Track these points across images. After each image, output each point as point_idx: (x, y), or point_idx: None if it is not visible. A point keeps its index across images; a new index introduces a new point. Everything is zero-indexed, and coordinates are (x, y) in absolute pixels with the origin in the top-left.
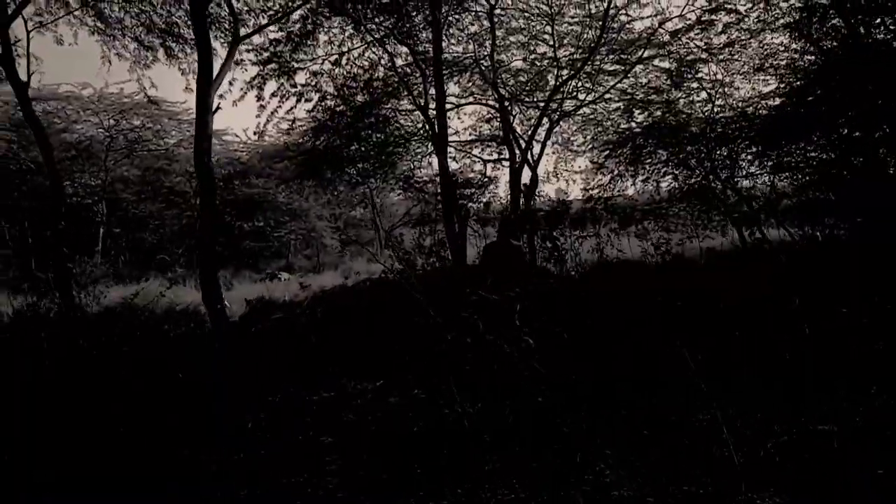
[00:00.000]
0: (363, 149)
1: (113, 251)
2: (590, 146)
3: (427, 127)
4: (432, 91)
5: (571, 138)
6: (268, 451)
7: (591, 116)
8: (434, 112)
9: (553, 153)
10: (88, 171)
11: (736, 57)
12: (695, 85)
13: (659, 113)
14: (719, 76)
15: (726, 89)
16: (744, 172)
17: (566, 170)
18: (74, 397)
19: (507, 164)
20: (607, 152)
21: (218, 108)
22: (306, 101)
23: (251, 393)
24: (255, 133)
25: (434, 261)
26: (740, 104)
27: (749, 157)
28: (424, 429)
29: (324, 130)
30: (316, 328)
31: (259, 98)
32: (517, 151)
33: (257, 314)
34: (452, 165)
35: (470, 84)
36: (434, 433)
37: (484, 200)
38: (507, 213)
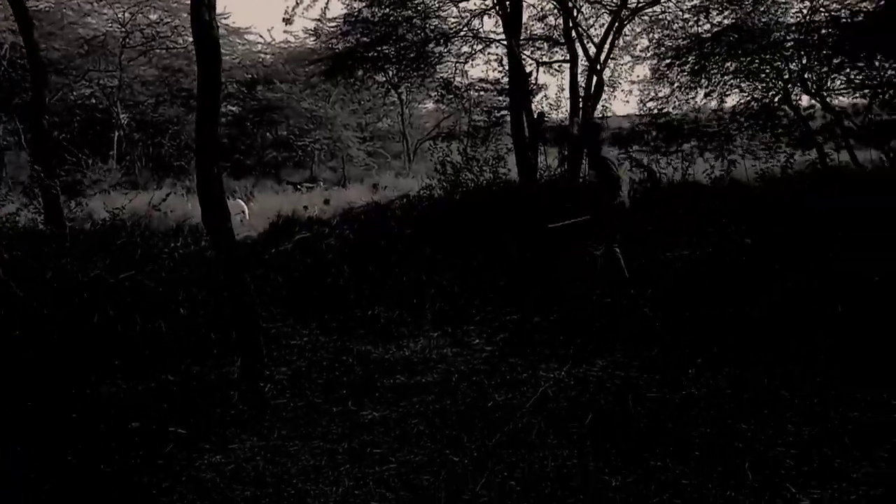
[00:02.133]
0: (399, 48)
1: (128, 157)
2: (652, 52)
3: (495, 3)
4: None
5: (634, 41)
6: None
7: (661, 16)
8: None
9: (612, 58)
10: (104, 70)
11: None
12: None
13: (740, 13)
14: None
15: None
16: (826, 87)
17: (625, 80)
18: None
19: (559, 67)
20: (669, 60)
21: None
22: None
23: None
24: (283, 20)
25: (491, 177)
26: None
27: (830, 70)
28: None
29: (358, 22)
30: (346, 254)
31: None
32: (580, 53)
33: (278, 233)
34: (492, 75)
35: None
36: None
37: (537, 110)
38: (578, 121)
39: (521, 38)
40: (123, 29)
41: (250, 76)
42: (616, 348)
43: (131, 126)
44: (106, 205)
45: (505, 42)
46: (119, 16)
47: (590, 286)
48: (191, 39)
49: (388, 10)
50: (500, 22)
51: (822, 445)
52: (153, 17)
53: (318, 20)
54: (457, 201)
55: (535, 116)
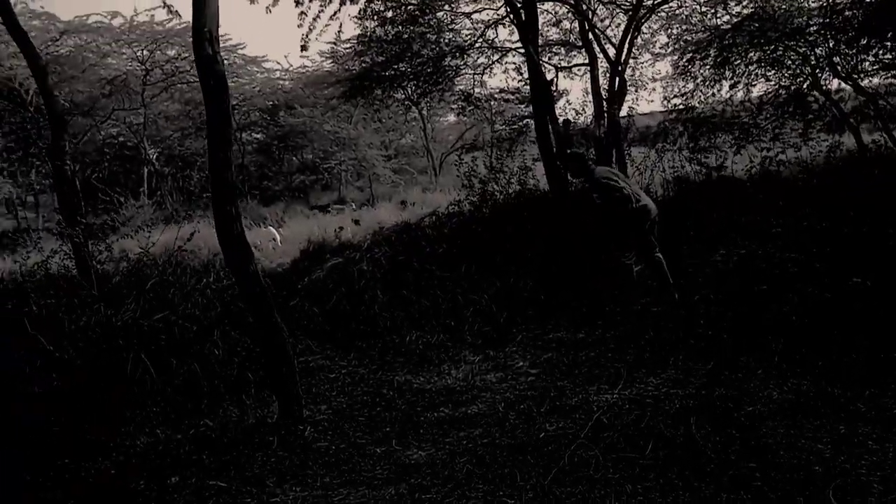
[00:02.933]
0: (415, 64)
1: (159, 192)
2: (671, 48)
3: (508, 12)
4: None
5: (652, 38)
6: None
7: (678, 11)
8: None
9: (632, 57)
10: (129, 108)
11: None
12: None
13: (759, 1)
14: None
15: None
16: (857, 69)
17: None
18: None
19: (579, 70)
20: (690, 55)
21: None
22: (352, 2)
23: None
24: (300, 47)
25: (518, 188)
26: None
27: (858, 52)
28: None
29: (372, 42)
30: (378, 279)
31: (297, 1)
32: (598, 55)
33: (310, 259)
34: (512, 84)
35: None
36: None
37: (566, 115)
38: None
39: (539, 44)
40: (143, 67)
41: (271, 103)
42: (669, 363)
43: (160, 161)
44: (139, 243)
45: (522, 50)
46: (138, 54)
47: (631, 297)
48: None
49: (400, 27)
50: (514, 31)
51: None
52: (171, 52)
53: (333, 43)
54: (486, 215)
55: (562, 123)
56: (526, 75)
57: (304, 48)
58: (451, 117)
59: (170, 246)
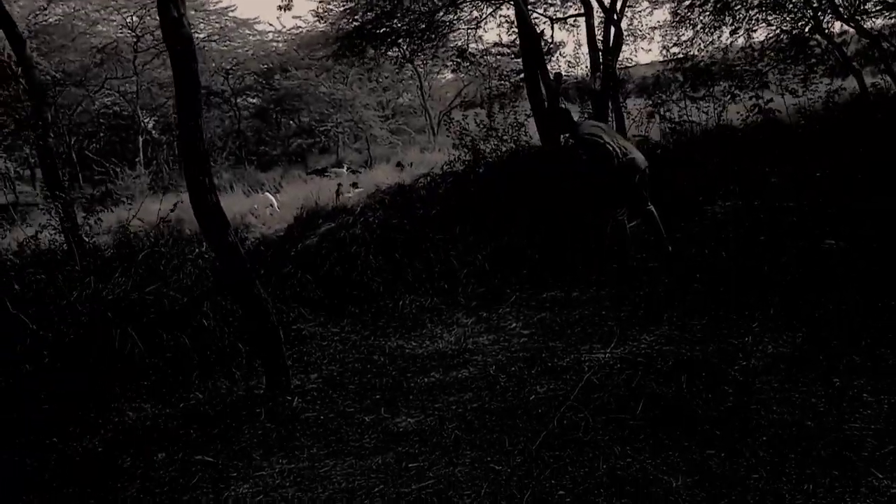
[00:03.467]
0: (407, 20)
1: (155, 161)
2: None
3: None
4: None
5: None
6: None
7: None
8: None
9: (628, 6)
10: (121, 76)
11: None
12: None
13: None
14: None
15: None
16: (859, 10)
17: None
18: None
19: (575, 22)
20: (690, 1)
21: None
22: None
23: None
24: (278, 8)
25: (513, 146)
26: None
27: None
28: None
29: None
30: (371, 243)
31: None
32: (594, 4)
33: (304, 226)
34: (505, 38)
35: None
36: None
37: (557, 68)
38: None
39: None
40: (133, 34)
41: (266, 66)
42: (663, 320)
43: (157, 129)
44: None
45: (514, 2)
46: (128, 20)
47: (626, 253)
48: (200, 35)
49: None
50: None
51: None
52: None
53: (321, 1)
54: (480, 175)
55: (553, 77)
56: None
57: (286, 8)
58: (449, 74)
59: (165, 216)
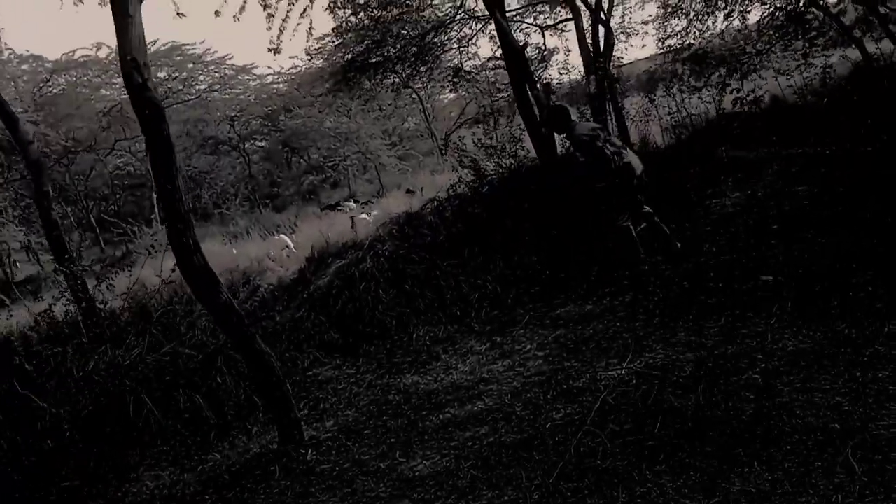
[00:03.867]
0: (398, 47)
1: None
2: None
3: None
4: None
5: None
6: None
7: None
8: None
9: (618, 3)
10: (129, 137)
11: None
12: None
13: None
14: None
15: None
16: None
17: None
18: None
19: (568, 27)
20: None
21: None
22: None
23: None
24: (269, 50)
25: (512, 162)
26: None
27: None
28: None
29: (349, 32)
30: (381, 277)
31: (265, 6)
32: (582, 7)
33: (315, 266)
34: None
35: None
36: None
37: (548, 78)
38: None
39: (519, 5)
40: None
41: (269, 108)
42: (679, 325)
43: None
44: (154, 272)
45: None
46: None
47: (636, 259)
48: (202, 87)
49: (374, 11)
50: None
51: None
52: (161, 74)
53: (322, 38)
54: (483, 194)
55: (541, 88)
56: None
57: (276, 52)
58: (451, 94)
59: (167, 277)
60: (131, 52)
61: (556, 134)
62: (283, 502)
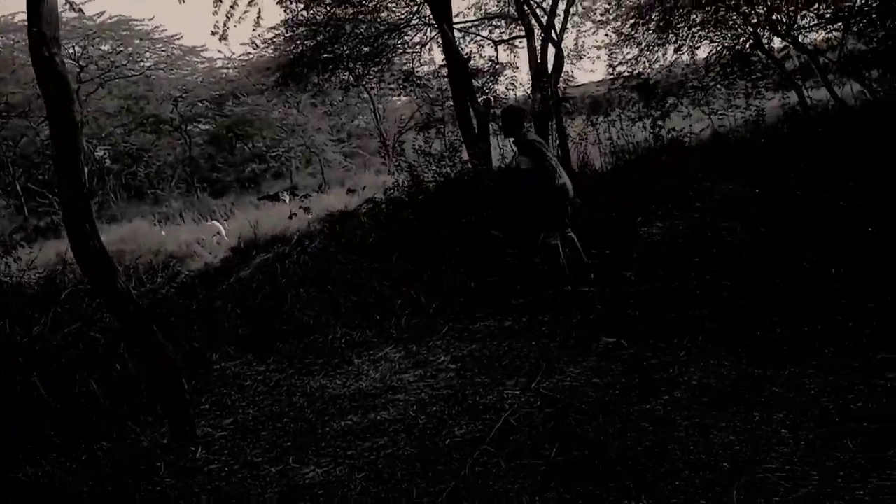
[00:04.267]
0: (351, 45)
1: (101, 191)
2: (614, 15)
3: None
4: None
5: (593, 6)
6: None
7: None
8: None
9: (572, 26)
10: None
11: None
12: None
13: None
14: None
15: None
16: (796, 26)
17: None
18: None
19: (522, 44)
20: (633, 20)
21: None
22: None
23: None
24: (213, 33)
25: (450, 172)
26: None
27: (798, 8)
28: None
29: (300, 26)
30: (305, 275)
31: None
32: (535, 25)
33: (240, 257)
34: None
35: None
36: None
37: (498, 91)
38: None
39: (475, 17)
40: (77, 64)
41: (216, 93)
42: (592, 350)
43: (107, 158)
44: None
45: (457, 27)
46: (71, 51)
47: (561, 279)
48: (147, 64)
49: (329, 8)
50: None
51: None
52: (105, 47)
53: (274, 28)
54: (419, 201)
55: (482, 103)
56: (467, 51)
57: (222, 37)
58: (404, 97)
59: (109, 249)
60: (40, 26)
61: (497, 141)
62: (163, 501)
